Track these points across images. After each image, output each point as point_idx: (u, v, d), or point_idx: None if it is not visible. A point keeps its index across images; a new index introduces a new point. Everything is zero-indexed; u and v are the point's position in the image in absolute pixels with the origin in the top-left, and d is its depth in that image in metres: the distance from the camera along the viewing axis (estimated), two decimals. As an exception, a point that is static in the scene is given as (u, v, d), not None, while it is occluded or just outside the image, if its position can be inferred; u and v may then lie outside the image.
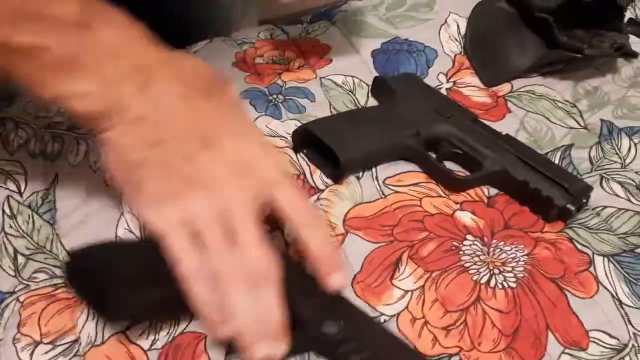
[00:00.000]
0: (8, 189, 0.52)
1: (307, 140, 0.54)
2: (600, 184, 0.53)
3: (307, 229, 0.40)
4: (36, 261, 0.48)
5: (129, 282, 0.40)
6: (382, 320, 0.44)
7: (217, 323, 0.38)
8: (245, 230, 0.38)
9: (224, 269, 0.38)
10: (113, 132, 0.40)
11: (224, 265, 0.38)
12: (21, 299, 0.45)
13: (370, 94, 0.61)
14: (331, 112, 0.59)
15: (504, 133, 0.55)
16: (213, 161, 0.40)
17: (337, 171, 0.52)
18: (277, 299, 0.38)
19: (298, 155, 0.55)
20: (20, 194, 0.52)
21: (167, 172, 0.39)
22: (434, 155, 0.54)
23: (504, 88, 0.62)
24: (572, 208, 0.49)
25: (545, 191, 0.50)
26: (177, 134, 0.40)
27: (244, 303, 0.37)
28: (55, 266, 0.47)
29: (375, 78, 0.61)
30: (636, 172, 0.53)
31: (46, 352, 0.43)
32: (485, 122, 0.57)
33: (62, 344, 0.43)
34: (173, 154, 0.40)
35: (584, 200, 0.50)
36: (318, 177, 0.53)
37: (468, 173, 0.53)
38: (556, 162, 0.55)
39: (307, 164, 0.54)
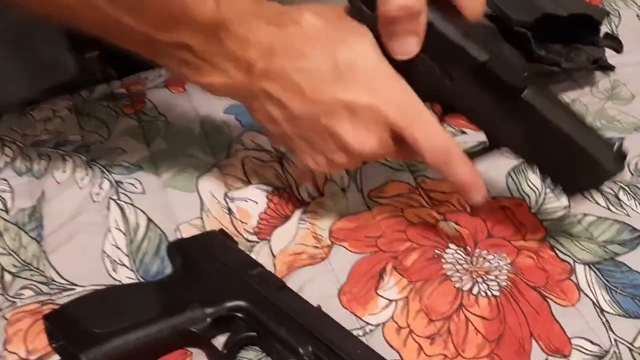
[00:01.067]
0: (-6, 207, 0.52)
1: None
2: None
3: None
4: (23, 278, 0.48)
5: (102, 338, 0.41)
6: (367, 330, 0.44)
7: None
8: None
9: None
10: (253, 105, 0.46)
11: None
12: (7, 316, 0.45)
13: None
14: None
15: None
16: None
17: None
18: None
19: (284, 169, 0.56)
20: (7, 211, 0.52)
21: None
22: None
23: (485, 101, 0.63)
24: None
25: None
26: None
27: None
28: (42, 283, 0.47)
29: None
30: (614, 182, 0.54)
31: (33, 369, 0.43)
32: (469, 131, 0.57)
33: (48, 361, 0.43)
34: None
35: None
36: (303, 190, 0.54)
37: None
38: (538, 175, 0.54)
39: (293, 178, 0.55)
